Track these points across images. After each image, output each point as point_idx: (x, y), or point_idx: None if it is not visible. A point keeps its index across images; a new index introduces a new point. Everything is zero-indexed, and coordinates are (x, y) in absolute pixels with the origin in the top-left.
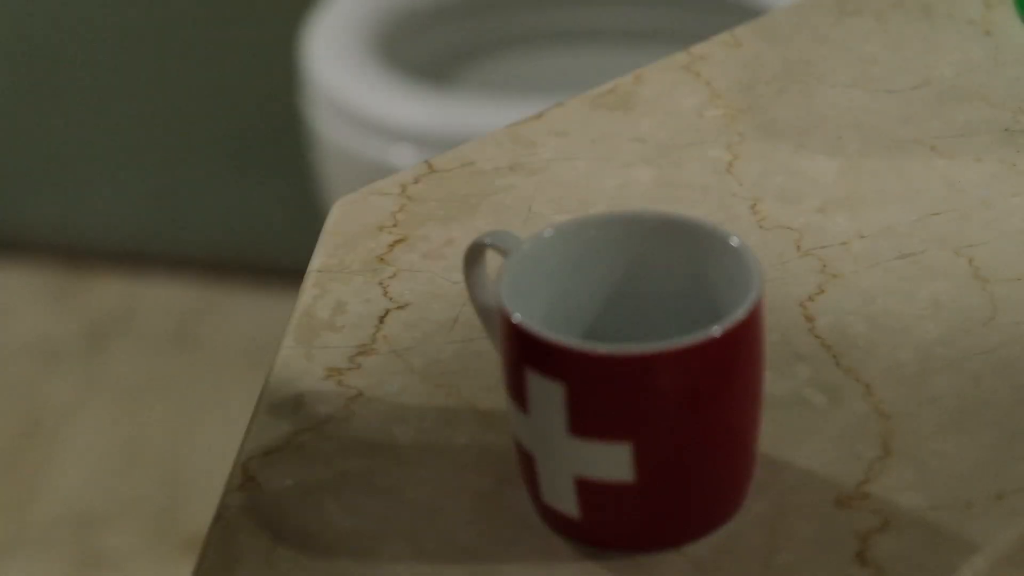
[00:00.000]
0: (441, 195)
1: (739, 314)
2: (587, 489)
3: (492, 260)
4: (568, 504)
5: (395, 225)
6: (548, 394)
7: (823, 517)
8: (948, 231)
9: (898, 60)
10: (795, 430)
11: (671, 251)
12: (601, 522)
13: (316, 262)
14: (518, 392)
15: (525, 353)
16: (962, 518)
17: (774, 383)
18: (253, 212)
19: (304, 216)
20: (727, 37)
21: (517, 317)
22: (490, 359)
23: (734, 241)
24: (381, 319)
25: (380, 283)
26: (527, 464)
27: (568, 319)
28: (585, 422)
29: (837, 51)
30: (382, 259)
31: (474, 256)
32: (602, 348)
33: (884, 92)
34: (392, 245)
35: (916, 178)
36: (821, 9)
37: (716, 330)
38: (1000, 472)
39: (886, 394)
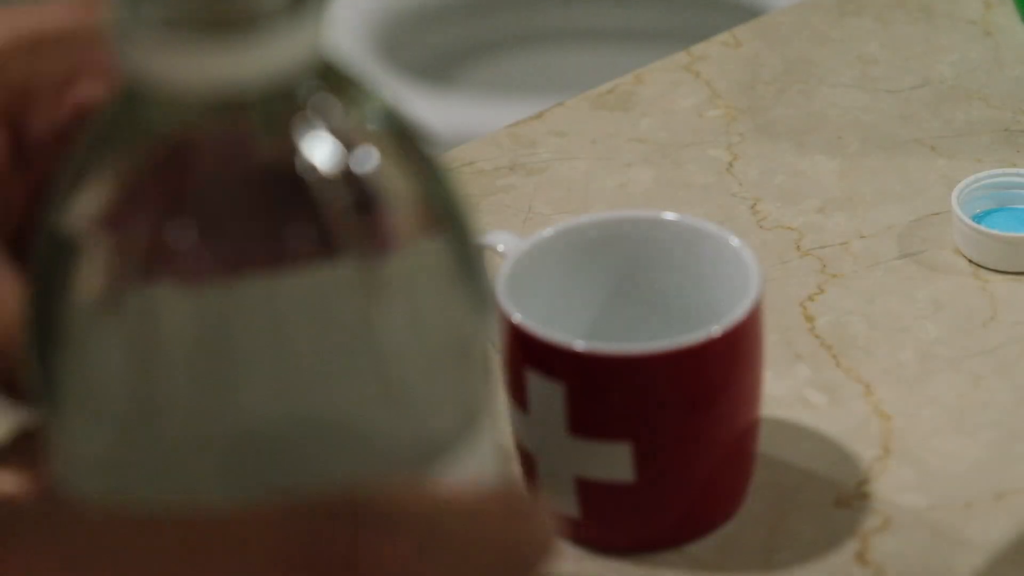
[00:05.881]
0: None
1: (738, 314)
2: (587, 489)
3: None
4: (568, 504)
5: None
6: (548, 394)
7: (823, 517)
8: (948, 231)
9: (898, 60)
10: (795, 430)
11: (670, 251)
12: (601, 522)
13: None
14: (518, 392)
15: (525, 353)
16: (962, 518)
17: (774, 383)
18: None
19: None
20: (727, 37)
21: (517, 317)
22: None
23: (733, 241)
24: None
25: None
26: (527, 464)
27: (568, 319)
28: (585, 422)
29: (837, 51)
30: None
31: None
32: (602, 348)
33: (884, 92)
34: None
35: (916, 178)
36: (821, 9)
37: (716, 330)
38: (1000, 472)
39: (886, 394)
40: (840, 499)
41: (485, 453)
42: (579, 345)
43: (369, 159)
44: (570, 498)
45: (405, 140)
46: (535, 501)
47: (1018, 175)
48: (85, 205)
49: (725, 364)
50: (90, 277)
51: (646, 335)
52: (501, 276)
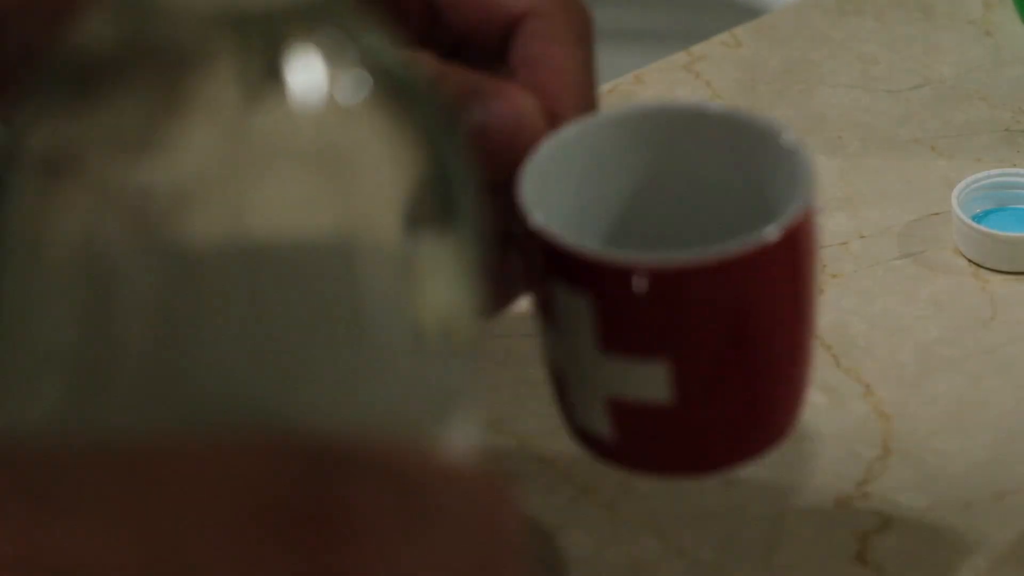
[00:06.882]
0: None
1: (793, 215)
2: (620, 410)
3: None
4: (601, 426)
5: None
6: (574, 307)
7: (823, 517)
8: (948, 231)
9: (898, 60)
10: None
11: (712, 147)
12: (636, 445)
13: None
14: (545, 304)
15: (549, 262)
16: (962, 518)
17: None
18: None
19: None
20: (727, 37)
21: (538, 220)
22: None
23: (785, 138)
24: None
25: None
26: (558, 384)
27: (598, 223)
28: (615, 338)
29: (837, 51)
30: None
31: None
32: (632, 257)
33: (884, 92)
34: None
35: (916, 178)
36: (821, 9)
37: (771, 232)
38: (1000, 472)
39: (886, 394)
40: (840, 499)
41: (466, 438)
42: (605, 254)
43: (359, 94)
44: (603, 420)
45: (401, 96)
46: (508, 482)
47: (1018, 175)
48: (59, 128)
49: (779, 273)
50: (52, 207)
51: (684, 239)
52: (524, 176)
